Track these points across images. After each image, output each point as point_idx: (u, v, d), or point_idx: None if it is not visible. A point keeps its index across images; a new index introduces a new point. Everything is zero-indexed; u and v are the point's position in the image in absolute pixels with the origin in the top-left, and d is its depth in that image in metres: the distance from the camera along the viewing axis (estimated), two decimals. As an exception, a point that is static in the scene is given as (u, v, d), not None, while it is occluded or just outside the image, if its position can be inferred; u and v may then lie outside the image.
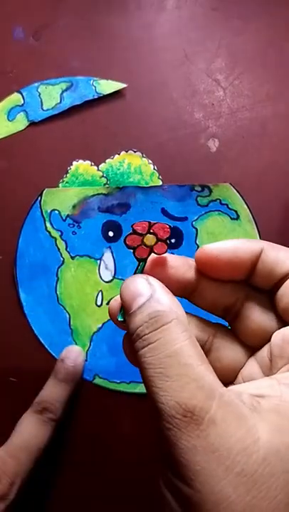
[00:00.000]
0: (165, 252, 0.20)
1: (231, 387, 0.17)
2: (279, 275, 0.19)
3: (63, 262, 0.34)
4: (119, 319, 0.19)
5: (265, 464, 0.14)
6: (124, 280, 0.34)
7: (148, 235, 0.20)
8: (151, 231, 0.20)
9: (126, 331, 0.19)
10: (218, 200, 0.34)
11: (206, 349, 0.20)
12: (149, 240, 0.20)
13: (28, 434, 0.30)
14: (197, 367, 0.16)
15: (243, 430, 0.14)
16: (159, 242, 0.20)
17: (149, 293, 0.17)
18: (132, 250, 0.20)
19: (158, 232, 0.20)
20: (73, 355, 0.33)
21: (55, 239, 0.34)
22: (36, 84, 0.36)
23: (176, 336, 0.16)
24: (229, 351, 0.20)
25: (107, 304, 0.34)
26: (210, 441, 0.14)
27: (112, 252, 0.34)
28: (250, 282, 0.20)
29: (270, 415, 0.15)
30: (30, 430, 0.30)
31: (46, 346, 0.34)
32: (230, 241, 0.19)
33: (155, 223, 0.20)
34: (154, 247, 0.20)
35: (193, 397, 0.15)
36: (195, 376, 0.15)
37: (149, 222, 0.20)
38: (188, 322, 0.18)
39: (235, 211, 0.34)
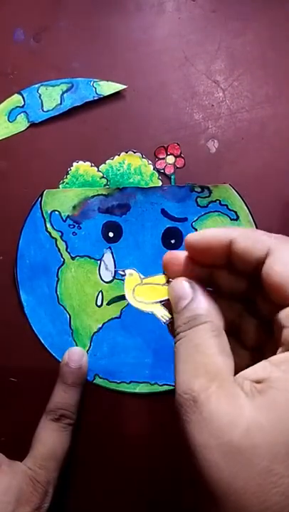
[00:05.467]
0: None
1: (240, 374, 0.19)
2: (254, 261, 0.20)
3: (64, 262, 0.34)
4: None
5: (249, 436, 0.16)
6: (123, 279, 0.34)
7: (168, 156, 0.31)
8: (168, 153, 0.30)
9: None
10: (217, 201, 0.34)
11: (235, 329, 0.23)
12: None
13: (52, 444, 0.30)
14: (212, 355, 0.18)
15: (232, 407, 0.16)
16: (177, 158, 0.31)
17: (190, 296, 0.21)
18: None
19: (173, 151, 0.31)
20: (77, 357, 0.33)
21: (56, 239, 0.35)
22: (37, 86, 0.36)
23: (203, 334, 0.19)
24: (252, 332, 0.22)
25: (107, 304, 0.34)
26: (203, 415, 0.17)
27: (112, 253, 0.34)
28: (232, 267, 0.21)
29: (259, 396, 0.17)
30: (53, 439, 0.31)
31: (47, 346, 0.34)
32: (208, 230, 0.22)
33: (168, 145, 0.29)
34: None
35: (197, 378, 0.18)
36: (206, 361, 0.18)
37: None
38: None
39: (235, 212, 0.34)
